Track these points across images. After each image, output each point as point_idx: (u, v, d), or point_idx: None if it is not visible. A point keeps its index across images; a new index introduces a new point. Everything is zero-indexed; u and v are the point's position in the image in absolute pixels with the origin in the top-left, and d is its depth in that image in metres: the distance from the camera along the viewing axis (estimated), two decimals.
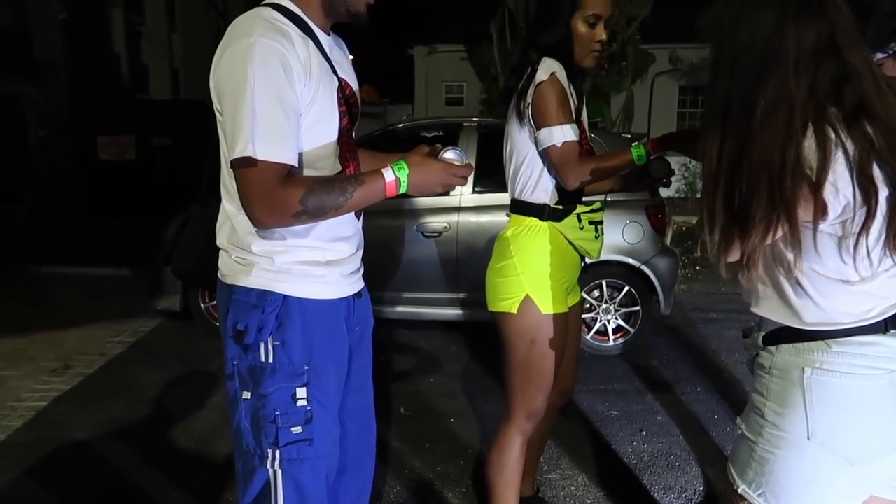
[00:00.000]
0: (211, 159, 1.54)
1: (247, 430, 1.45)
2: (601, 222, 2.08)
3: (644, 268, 4.34)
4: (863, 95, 1.13)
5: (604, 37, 1.93)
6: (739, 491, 1.30)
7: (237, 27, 1.36)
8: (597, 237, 2.06)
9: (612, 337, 4.46)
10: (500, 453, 2.06)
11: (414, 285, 4.46)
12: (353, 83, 1.54)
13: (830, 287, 1.19)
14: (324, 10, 1.44)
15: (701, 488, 2.76)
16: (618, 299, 4.45)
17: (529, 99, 1.89)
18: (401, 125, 5.14)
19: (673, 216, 6.17)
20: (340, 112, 1.46)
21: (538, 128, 1.89)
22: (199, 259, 1.70)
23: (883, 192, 1.12)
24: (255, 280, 1.44)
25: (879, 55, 1.60)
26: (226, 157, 1.38)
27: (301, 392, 1.44)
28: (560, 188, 1.96)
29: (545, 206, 1.96)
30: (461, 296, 4.47)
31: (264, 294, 1.43)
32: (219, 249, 1.52)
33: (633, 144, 1.83)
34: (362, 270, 1.63)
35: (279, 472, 1.44)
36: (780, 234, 1.16)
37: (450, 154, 1.46)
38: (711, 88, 1.22)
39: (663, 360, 4.32)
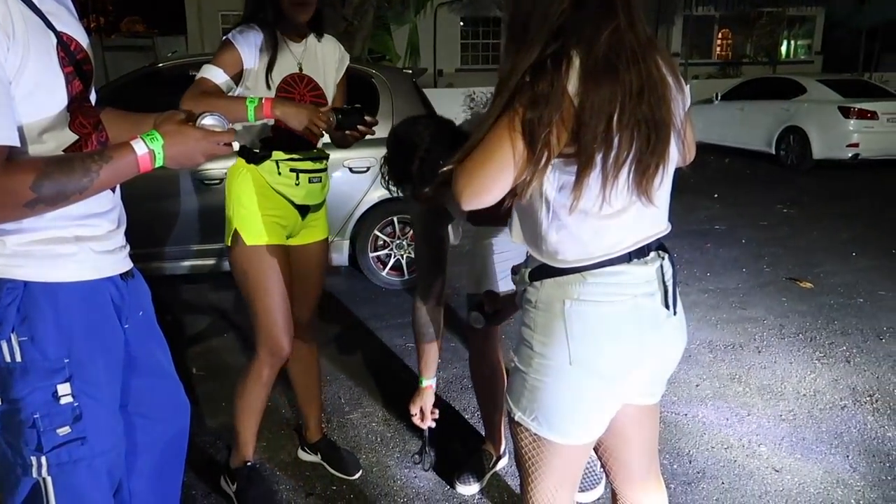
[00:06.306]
0: None
1: (0, 439, 1.26)
2: (310, 171, 2.16)
3: None
4: (633, 46, 1.19)
5: None
6: (516, 418, 1.39)
7: None
8: (297, 184, 2.14)
9: (406, 271, 4.57)
10: (242, 380, 2.24)
11: (196, 237, 4.17)
12: (80, 35, 1.31)
13: (588, 222, 1.26)
14: None
15: None
16: (409, 234, 4.55)
17: None
18: (161, 64, 4.63)
19: None
20: (67, 74, 1.24)
21: None
22: None
23: (633, 133, 1.19)
24: None
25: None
26: None
27: (64, 388, 1.27)
28: (268, 135, 2.11)
29: (246, 148, 1.96)
30: None
31: None
32: None
33: (248, 98, 1.88)
34: (128, 249, 1.44)
35: (49, 479, 1.27)
36: (557, 153, 1.19)
37: (209, 120, 1.31)
38: (513, 8, 1.25)
39: (454, 288, 4.53)
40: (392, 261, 4.55)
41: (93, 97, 1.38)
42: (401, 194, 1.85)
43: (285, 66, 2.08)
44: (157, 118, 1.43)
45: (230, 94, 2.01)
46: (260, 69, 2.04)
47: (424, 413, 2.06)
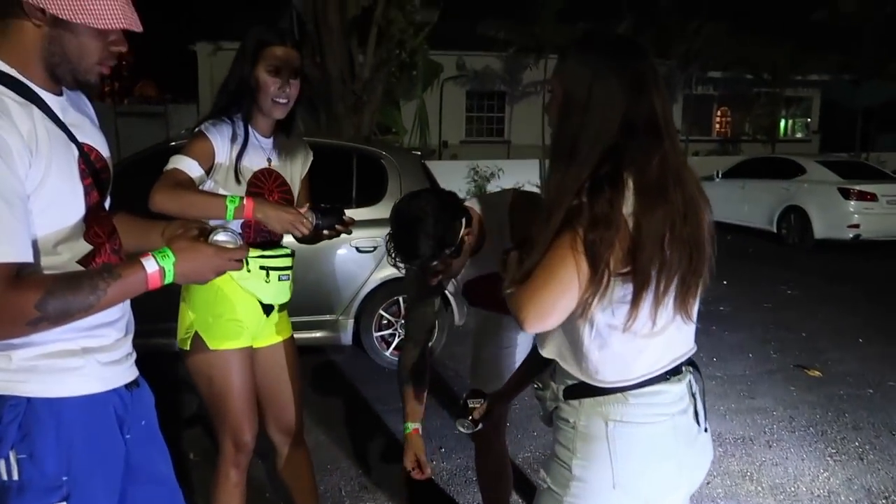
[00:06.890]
0: None
1: None
2: (279, 269, 2.10)
3: None
4: (677, 169, 1.24)
5: (288, 88, 2.01)
6: None
7: None
8: (267, 282, 2.06)
9: None
10: (215, 485, 2.11)
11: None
12: (101, 145, 1.33)
13: (634, 342, 1.26)
14: (47, 73, 1.22)
15: None
16: None
17: None
18: (174, 143, 4.71)
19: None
20: (86, 186, 1.25)
21: None
22: None
23: (680, 253, 1.22)
24: None
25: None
26: None
27: None
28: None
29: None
30: None
31: (1, 400, 1.19)
32: None
33: (229, 197, 1.82)
34: (134, 357, 1.42)
35: None
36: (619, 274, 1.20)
37: (221, 237, 1.31)
38: (560, 127, 1.27)
39: (459, 371, 4.47)
40: (396, 341, 4.51)
41: (107, 203, 1.39)
42: (405, 270, 1.85)
43: (255, 161, 2.05)
44: (165, 227, 1.44)
45: (201, 187, 1.96)
46: (230, 163, 2.00)
47: (421, 463, 1.97)
